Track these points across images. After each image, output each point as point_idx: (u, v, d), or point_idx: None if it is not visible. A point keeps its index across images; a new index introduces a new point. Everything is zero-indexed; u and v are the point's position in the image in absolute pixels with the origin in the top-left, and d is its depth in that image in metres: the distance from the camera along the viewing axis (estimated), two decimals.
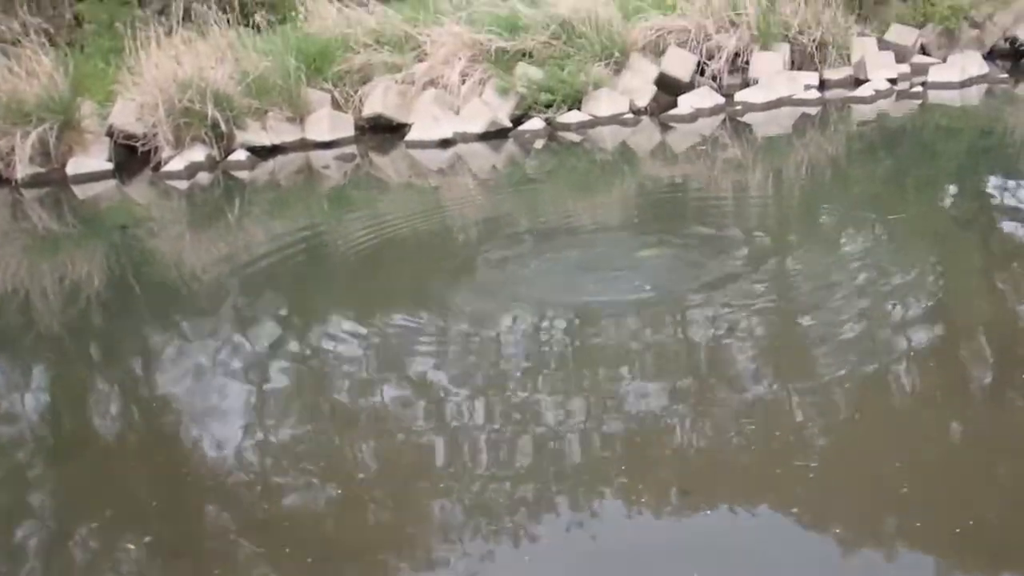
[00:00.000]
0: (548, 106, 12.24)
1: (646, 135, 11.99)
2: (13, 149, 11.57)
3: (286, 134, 12.33)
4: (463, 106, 12.33)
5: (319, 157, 12.08)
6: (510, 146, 11.86)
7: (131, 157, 12.04)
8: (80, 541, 4.70)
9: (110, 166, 11.84)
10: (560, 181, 10.78)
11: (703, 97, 12.50)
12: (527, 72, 12.46)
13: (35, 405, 6.25)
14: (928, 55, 13.60)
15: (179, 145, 11.79)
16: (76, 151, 11.91)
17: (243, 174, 11.60)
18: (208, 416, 5.75)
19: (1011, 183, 8.90)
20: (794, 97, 12.42)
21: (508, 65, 12.60)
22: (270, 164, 11.90)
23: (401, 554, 4.31)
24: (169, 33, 12.58)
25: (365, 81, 12.83)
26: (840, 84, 12.92)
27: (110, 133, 12.16)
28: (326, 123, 12.38)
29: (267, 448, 5.29)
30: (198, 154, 11.73)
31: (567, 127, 12.10)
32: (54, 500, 5.15)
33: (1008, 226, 7.80)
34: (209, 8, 13.68)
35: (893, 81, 12.67)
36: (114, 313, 7.78)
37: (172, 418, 5.83)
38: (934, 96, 12.42)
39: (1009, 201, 8.42)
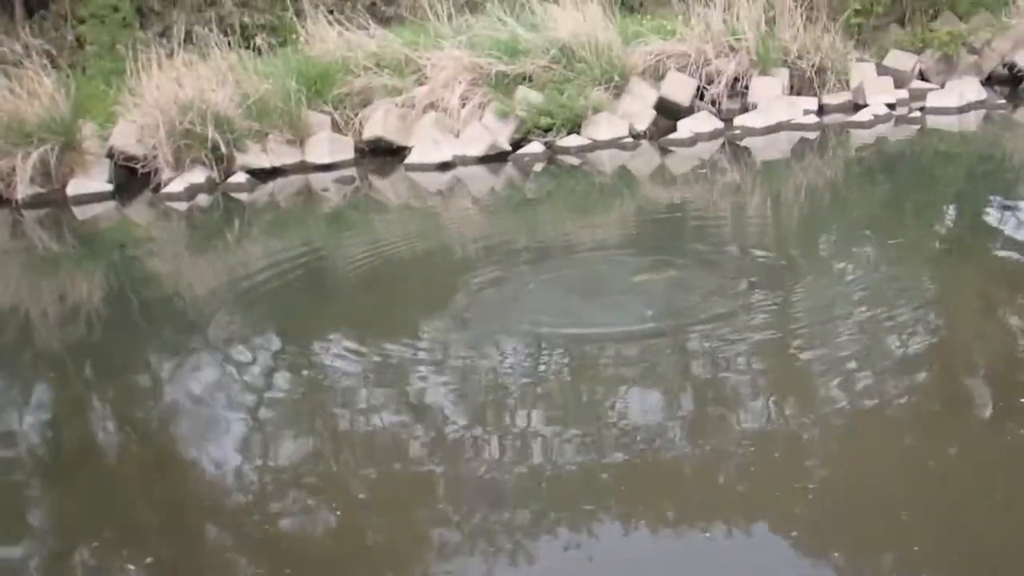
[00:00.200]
0: (548, 130, 12.28)
1: (645, 159, 12.02)
2: (14, 170, 11.61)
3: (286, 156, 12.36)
4: (463, 129, 12.37)
5: (319, 180, 12.11)
6: (509, 169, 11.89)
7: (131, 178, 12.07)
8: (80, 561, 4.67)
9: (110, 187, 11.87)
10: (559, 204, 10.79)
11: (702, 121, 12.55)
12: (527, 96, 12.50)
13: (34, 424, 6.22)
14: (926, 81, 13.68)
15: (179, 167, 11.82)
16: (77, 172, 11.94)
17: (243, 196, 11.61)
18: (207, 436, 5.72)
19: (1009, 208, 8.91)
20: (793, 122, 12.47)
21: (508, 89, 12.66)
22: (270, 186, 11.93)
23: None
24: (170, 55, 12.65)
25: (365, 104, 12.88)
26: (839, 109, 12.98)
27: (110, 154, 12.20)
28: (326, 146, 12.42)
29: (266, 469, 5.26)
30: (198, 176, 11.76)
31: (566, 151, 12.14)
32: (53, 519, 5.13)
33: (1006, 252, 7.79)
34: (210, 31, 13.74)
35: (892, 106, 12.73)
36: (112, 333, 7.76)
37: (171, 438, 5.80)
38: (932, 121, 12.47)
39: (1008, 226, 8.42)
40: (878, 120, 12.38)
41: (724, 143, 12.23)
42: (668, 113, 12.75)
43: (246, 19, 15.70)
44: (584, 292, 7.22)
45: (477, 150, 12.06)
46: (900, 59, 13.63)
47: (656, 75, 13.05)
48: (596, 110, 12.40)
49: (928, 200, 9.69)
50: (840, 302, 6.66)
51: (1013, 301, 6.69)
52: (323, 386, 6.19)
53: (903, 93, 13.04)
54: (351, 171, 12.32)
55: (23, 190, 11.56)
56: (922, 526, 4.25)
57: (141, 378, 6.80)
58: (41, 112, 11.79)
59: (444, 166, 11.94)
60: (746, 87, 13.03)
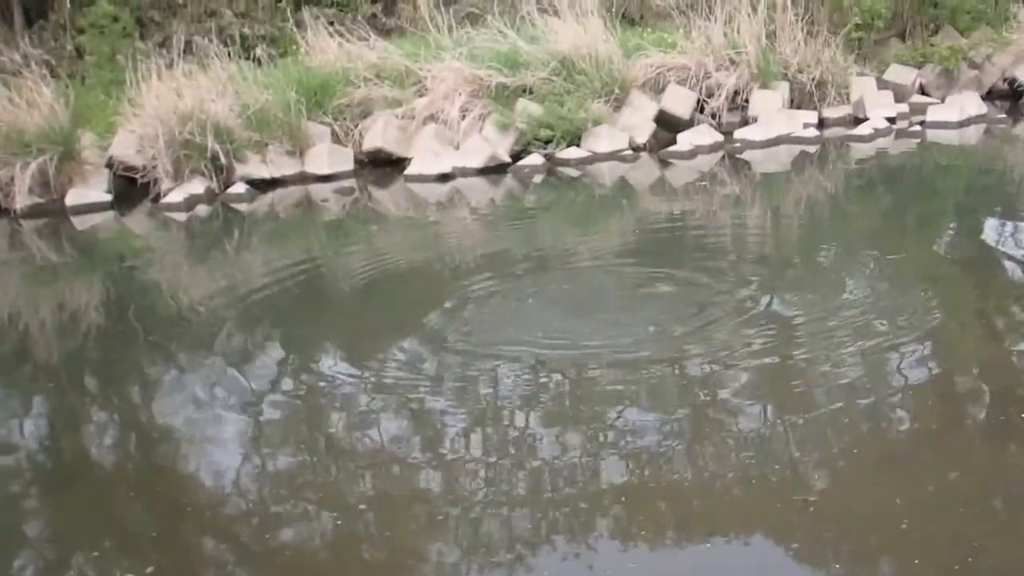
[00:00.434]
0: (547, 142, 12.28)
1: (645, 171, 12.02)
2: (13, 179, 11.58)
3: (286, 167, 12.35)
4: (463, 141, 12.37)
5: (318, 190, 12.10)
6: (509, 181, 11.87)
7: (130, 189, 12.05)
8: (80, 571, 4.65)
9: (109, 197, 11.84)
10: (558, 216, 10.77)
11: (702, 134, 12.55)
12: (527, 108, 12.50)
13: (33, 434, 6.20)
14: (927, 95, 13.70)
15: (178, 177, 11.80)
16: (75, 182, 11.91)
17: (242, 207, 11.59)
18: (206, 446, 5.71)
19: (1009, 222, 8.91)
20: (793, 135, 12.47)
21: (508, 101, 12.66)
22: (269, 197, 11.91)
23: None
24: (170, 66, 12.64)
25: (365, 115, 12.88)
26: (839, 123, 12.99)
27: (110, 164, 12.17)
28: (326, 157, 12.41)
29: (266, 478, 5.24)
30: (197, 186, 11.74)
31: (566, 163, 12.13)
32: (53, 529, 5.10)
33: (1006, 265, 7.78)
34: (210, 41, 13.74)
35: (892, 120, 12.75)
36: (110, 344, 7.73)
37: (170, 448, 5.77)
38: (932, 135, 12.48)
39: (1007, 240, 8.41)
40: (878, 134, 12.39)
41: (724, 156, 12.23)
42: (668, 126, 12.75)
43: (246, 30, 15.70)
44: (582, 307, 7.18)
45: (477, 162, 12.05)
46: (901, 73, 13.65)
47: (656, 88, 13.06)
48: (596, 122, 12.40)
49: (928, 214, 9.67)
50: (839, 318, 6.62)
51: (1013, 316, 6.66)
52: (320, 398, 6.17)
53: (903, 107, 13.06)
54: (351, 182, 12.31)
55: (21, 200, 11.53)
56: (922, 536, 4.22)
57: (139, 388, 6.77)
58: (40, 122, 11.77)
59: (444, 177, 11.93)
60: (746, 100, 13.03)
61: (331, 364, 6.64)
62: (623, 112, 12.74)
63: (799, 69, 13.14)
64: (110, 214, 11.72)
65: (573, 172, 11.96)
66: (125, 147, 12.13)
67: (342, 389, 6.22)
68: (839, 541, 4.28)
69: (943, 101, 13.26)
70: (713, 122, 12.92)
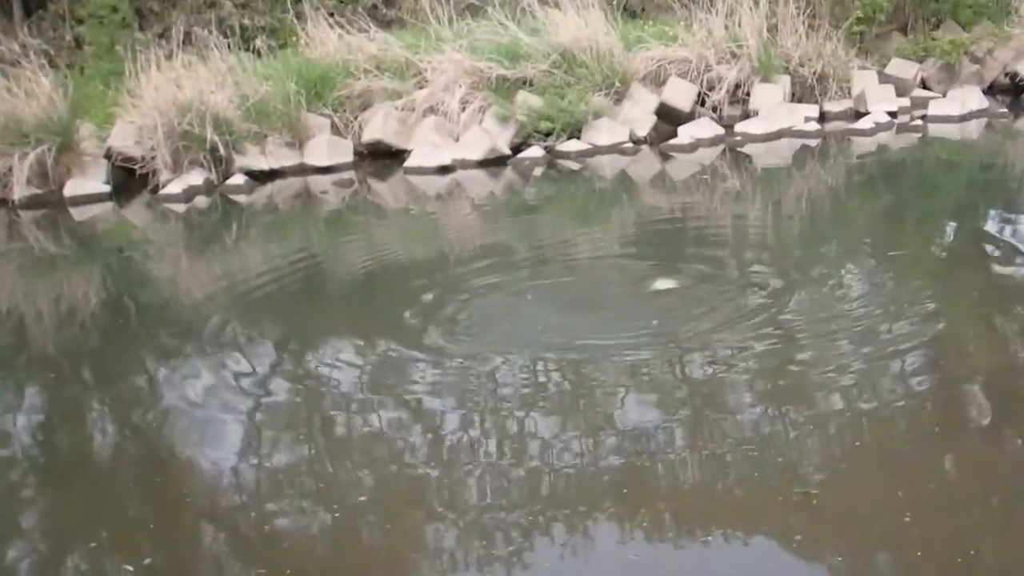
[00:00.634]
0: (548, 134, 12.25)
1: (646, 164, 11.99)
2: (11, 170, 11.55)
3: (285, 159, 12.32)
4: (463, 133, 12.33)
5: (317, 182, 12.06)
6: (509, 173, 11.84)
7: (129, 180, 12.01)
8: (78, 563, 4.64)
9: (108, 188, 11.81)
10: (558, 209, 10.74)
11: (703, 127, 12.52)
12: (527, 100, 12.47)
13: (30, 426, 6.18)
14: (928, 89, 13.66)
15: (177, 168, 11.77)
16: (74, 173, 11.88)
17: (241, 198, 11.56)
18: (205, 438, 5.69)
19: (1011, 218, 8.88)
20: (794, 129, 12.44)
21: (508, 93, 12.62)
22: (268, 188, 11.88)
23: None
24: (169, 56, 12.59)
25: (365, 107, 12.84)
26: (840, 116, 12.95)
27: (108, 155, 12.14)
28: (325, 148, 12.38)
29: (263, 471, 5.22)
30: (196, 178, 11.71)
31: (566, 155, 12.10)
32: (51, 521, 5.08)
33: (1008, 262, 7.76)
34: (210, 32, 13.69)
35: (893, 114, 12.70)
36: (109, 336, 7.71)
37: (168, 441, 5.75)
38: (934, 129, 12.45)
39: (1009, 236, 8.38)
40: (879, 128, 12.36)
41: (725, 149, 12.20)
42: (669, 119, 12.72)
43: (246, 21, 15.64)
44: (582, 303, 7.16)
45: (477, 154, 12.02)
46: (902, 67, 13.61)
47: (657, 81, 13.02)
48: (597, 115, 12.37)
49: (929, 209, 9.65)
50: (839, 313, 6.61)
51: (1014, 314, 6.63)
52: (318, 390, 6.15)
53: (905, 101, 13.01)
54: (350, 174, 12.28)
55: (20, 191, 11.50)
56: (923, 531, 4.21)
57: (138, 380, 6.73)
58: (39, 112, 11.74)
59: (443, 170, 11.90)
60: (747, 94, 13.00)
61: (330, 356, 6.63)
62: (624, 105, 12.70)
63: (800, 63, 13.10)
64: (108, 205, 11.69)
65: (573, 165, 11.93)
66: (124, 138, 12.09)
67: (341, 381, 6.20)
68: (841, 534, 4.26)
69: (944, 95, 13.22)
70: (714, 115, 12.88)
